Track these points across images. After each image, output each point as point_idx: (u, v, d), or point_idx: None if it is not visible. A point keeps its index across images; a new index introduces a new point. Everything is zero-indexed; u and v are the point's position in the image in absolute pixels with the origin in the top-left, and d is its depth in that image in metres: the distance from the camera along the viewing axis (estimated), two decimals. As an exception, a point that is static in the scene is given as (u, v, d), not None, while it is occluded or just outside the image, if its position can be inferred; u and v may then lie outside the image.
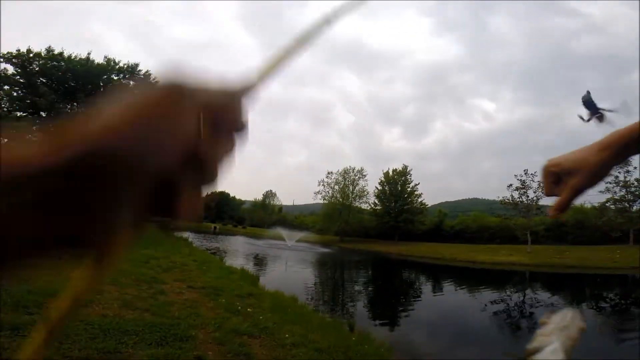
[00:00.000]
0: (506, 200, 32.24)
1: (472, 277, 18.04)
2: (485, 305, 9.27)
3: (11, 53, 17.79)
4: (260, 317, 3.79)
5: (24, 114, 17.29)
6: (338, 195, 50.03)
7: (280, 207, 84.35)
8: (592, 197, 27.25)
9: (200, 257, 10.36)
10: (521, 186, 31.02)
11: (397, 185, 46.39)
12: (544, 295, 11.69)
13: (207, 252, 14.64)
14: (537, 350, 0.38)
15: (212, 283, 5.84)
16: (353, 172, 51.53)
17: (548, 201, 0.56)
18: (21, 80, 17.62)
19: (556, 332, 0.38)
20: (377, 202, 48.38)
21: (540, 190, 30.06)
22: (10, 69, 17.73)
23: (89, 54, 19.65)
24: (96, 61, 19.65)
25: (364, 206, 50.51)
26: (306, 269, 15.24)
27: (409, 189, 46.48)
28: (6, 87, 17.36)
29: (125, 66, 20.41)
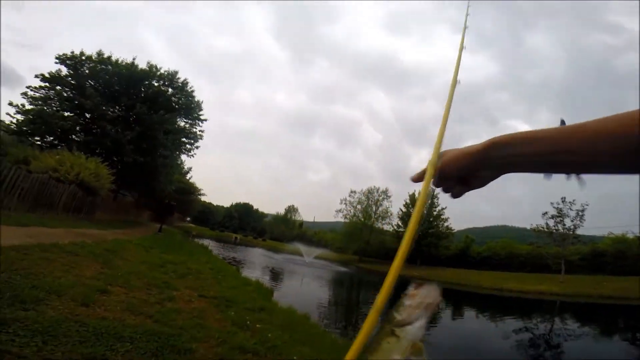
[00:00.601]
0: (539, 228, 30.87)
1: (496, 305, 17.17)
2: (509, 333, 8.73)
3: (66, 55, 18.71)
4: (269, 335, 3.43)
5: (71, 114, 18.32)
6: (360, 215, 49.25)
7: (301, 223, 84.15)
8: (635, 227, 26.60)
9: (217, 265, 10.20)
10: (557, 214, 29.76)
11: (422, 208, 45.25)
12: (573, 326, 10.87)
13: (225, 261, 14.53)
14: (405, 323, 0.37)
15: (224, 293, 5.59)
16: (377, 192, 50.75)
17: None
18: (72, 82, 18.50)
19: (422, 307, 0.38)
20: (400, 224, 47.13)
21: (578, 219, 28.65)
22: (64, 70, 18.63)
23: (134, 59, 20.47)
24: (140, 66, 20.43)
25: (387, 227, 49.37)
26: (322, 286, 14.70)
27: (435, 213, 45.06)
28: (58, 87, 18.44)
29: (166, 73, 21.18)
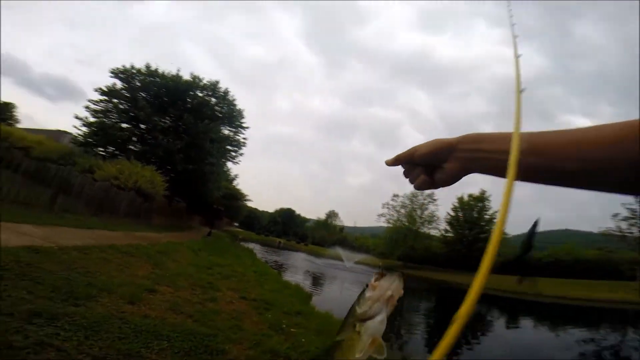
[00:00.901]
0: (610, 232, 27.77)
1: (559, 314, 15.80)
2: (572, 344, 8.00)
3: (119, 69, 20.48)
4: (303, 340, 3.33)
5: (128, 125, 20.12)
6: (404, 219, 47.45)
7: (342, 227, 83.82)
8: None
9: (260, 268, 10.42)
10: (631, 215, 26.44)
11: (472, 211, 42.43)
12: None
13: (268, 264, 14.83)
14: (366, 316, 0.36)
15: (264, 296, 5.63)
16: (422, 195, 48.53)
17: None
18: (126, 94, 20.24)
19: (383, 299, 0.37)
20: (448, 228, 44.63)
21: None
22: (118, 84, 20.38)
23: (178, 70, 21.80)
24: (184, 77, 21.69)
25: (433, 232, 46.92)
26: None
27: (486, 217, 42.09)
28: (115, 100, 20.27)
29: (208, 83, 22.29)
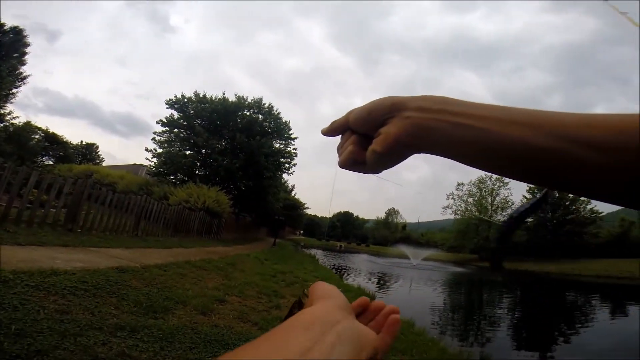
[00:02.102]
0: None
1: None
2: None
3: (172, 99, 22.36)
4: (366, 343, 3.20)
5: (190, 152, 22.12)
6: (473, 209, 43.88)
7: (404, 225, 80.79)
8: None
9: (322, 273, 10.55)
10: None
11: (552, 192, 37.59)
12: None
13: (330, 268, 14.94)
14: None
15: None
16: (490, 180, 44.51)
17: None
18: (184, 123, 22.11)
19: None
20: (526, 213, 40.19)
21: None
22: (175, 114, 22.34)
23: (223, 93, 23.35)
24: (230, 99, 23.10)
25: (508, 219, 42.59)
26: (432, 290, 13.48)
27: (570, 195, 36.85)
28: (175, 129, 22.33)
29: (252, 101, 23.49)
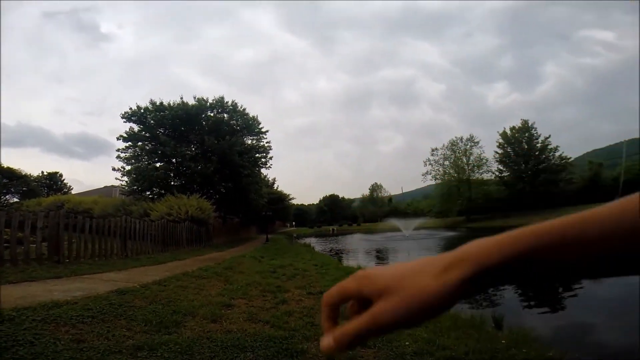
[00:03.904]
0: None
1: None
2: None
3: (127, 112, 20.90)
4: (377, 322, 3.31)
5: (161, 163, 21.20)
6: (452, 171, 45.18)
7: (390, 198, 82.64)
8: None
9: (320, 260, 10.68)
10: None
11: (521, 143, 39.17)
12: None
13: (327, 254, 15.15)
14: None
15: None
16: (462, 141, 45.89)
17: None
18: (147, 135, 20.92)
19: None
20: (501, 168, 41.75)
21: None
22: (135, 127, 20.90)
23: (181, 98, 22.17)
24: (190, 103, 22.02)
25: (487, 176, 44.17)
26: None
27: (538, 145, 38.60)
28: (139, 143, 21.05)
29: (214, 101, 22.61)
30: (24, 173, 41.78)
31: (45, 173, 50.35)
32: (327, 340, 0.31)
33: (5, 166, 38.94)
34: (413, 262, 0.32)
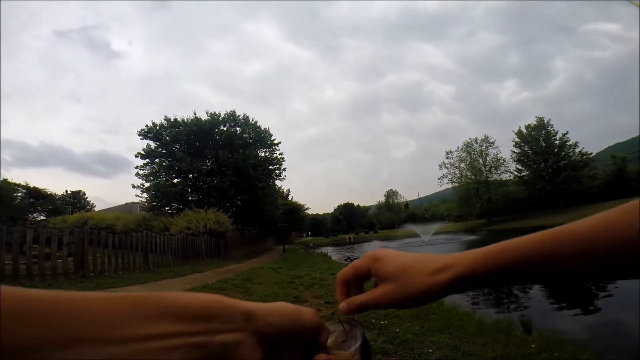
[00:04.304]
0: None
1: None
2: None
3: (143, 129, 21.39)
4: (397, 330, 3.25)
5: (178, 179, 21.62)
6: (468, 173, 44.15)
7: (406, 203, 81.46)
8: None
9: (337, 269, 10.58)
10: None
11: (538, 141, 37.92)
12: None
13: (344, 263, 14.98)
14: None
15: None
16: (477, 142, 44.93)
17: None
18: (163, 151, 21.39)
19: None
20: (520, 167, 40.48)
21: None
22: (152, 144, 21.39)
23: (194, 113, 22.75)
24: (203, 118, 22.51)
25: (505, 176, 42.91)
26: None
27: (556, 142, 37.27)
28: (157, 159, 21.49)
29: (226, 115, 23.02)
30: (49, 192, 43.71)
31: (69, 192, 52.51)
32: (341, 305, 0.40)
33: (32, 186, 40.90)
34: (417, 256, 0.39)
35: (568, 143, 36.58)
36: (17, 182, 37.58)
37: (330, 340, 0.33)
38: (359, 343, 0.34)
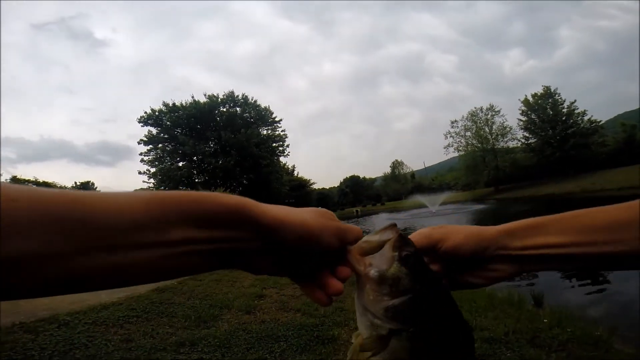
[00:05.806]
0: None
1: None
2: None
3: (143, 116, 21.42)
4: (409, 305, 3.27)
5: (183, 162, 21.93)
6: (474, 142, 43.50)
7: (413, 174, 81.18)
8: None
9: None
10: None
11: (545, 110, 37.20)
12: None
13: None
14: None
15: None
16: (482, 111, 43.88)
17: None
18: (165, 136, 21.64)
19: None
20: (527, 135, 39.74)
21: None
22: (153, 130, 21.63)
23: (192, 97, 22.46)
24: (201, 100, 22.31)
25: (512, 144, 42.24)
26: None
27: (564, 110, 36.45)
28: (159, 145, 21.91)
29: (225, 97, 22.72)
30: (59, 185, 44.53)
31: (78, 183, 53.35)
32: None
33: (42, 180, 41.69)
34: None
35: (576, 111, 35.74)
36: (27, 178, 38.22)
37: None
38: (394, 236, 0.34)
